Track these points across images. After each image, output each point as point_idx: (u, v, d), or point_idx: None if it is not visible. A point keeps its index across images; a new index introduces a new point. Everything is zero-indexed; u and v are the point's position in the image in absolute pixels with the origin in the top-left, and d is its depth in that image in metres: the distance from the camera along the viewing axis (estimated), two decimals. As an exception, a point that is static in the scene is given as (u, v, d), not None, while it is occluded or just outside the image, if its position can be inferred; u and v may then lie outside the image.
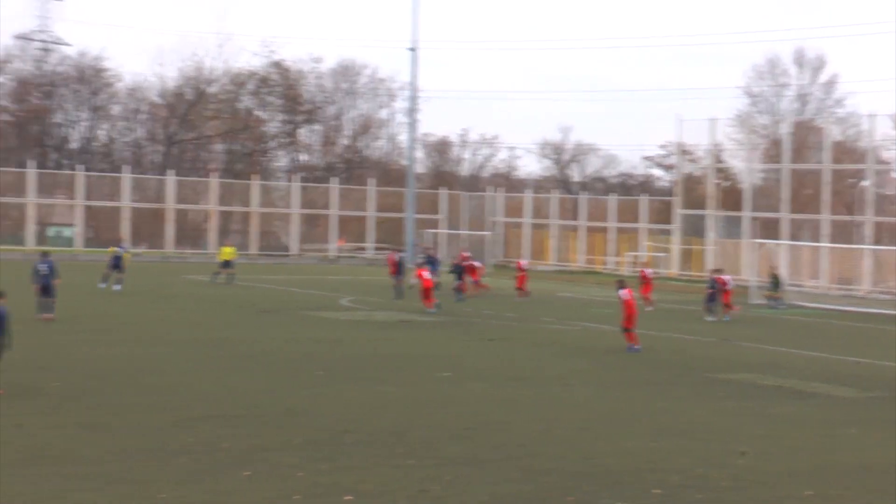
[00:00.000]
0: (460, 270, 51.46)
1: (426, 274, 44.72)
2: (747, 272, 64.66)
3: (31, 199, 79.94)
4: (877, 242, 66.22)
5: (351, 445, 18.40)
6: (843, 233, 70.91)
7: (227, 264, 56.91)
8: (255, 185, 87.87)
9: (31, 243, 78.87)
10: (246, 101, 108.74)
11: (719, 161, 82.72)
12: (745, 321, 45.95)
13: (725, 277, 47.54)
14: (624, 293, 33.56)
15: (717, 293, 46.46)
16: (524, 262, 54.46)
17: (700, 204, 78.94)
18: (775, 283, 56.30)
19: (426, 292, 44.05)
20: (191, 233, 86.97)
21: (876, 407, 25.00)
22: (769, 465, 18.13)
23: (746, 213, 73.19)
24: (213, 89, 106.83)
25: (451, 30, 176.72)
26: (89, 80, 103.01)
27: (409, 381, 26.04)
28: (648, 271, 52.51)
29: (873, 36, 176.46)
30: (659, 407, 23.77)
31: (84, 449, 17.46)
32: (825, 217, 69.13)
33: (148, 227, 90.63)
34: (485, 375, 27.45)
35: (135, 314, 39.14)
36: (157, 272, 60.57)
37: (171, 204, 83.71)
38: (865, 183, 69.48)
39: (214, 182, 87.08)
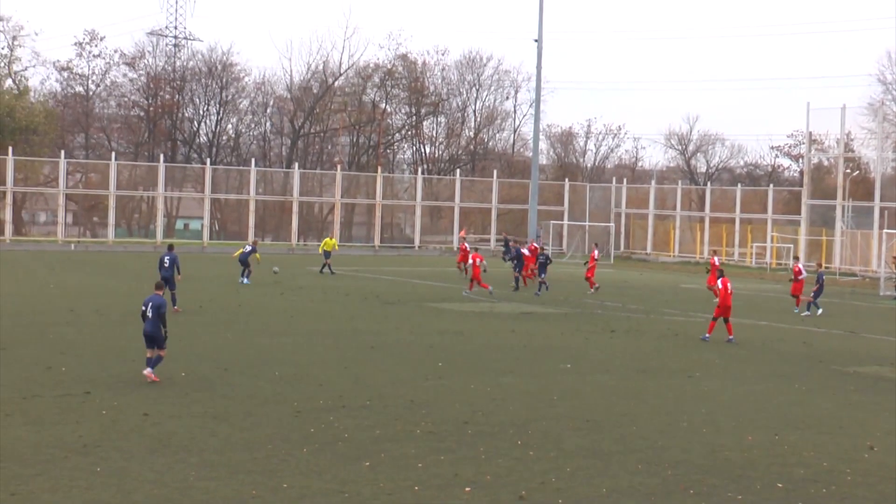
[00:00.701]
0: (518, 258, 51.49)
1: (478, 260, 47.06)
2: (877, 263, 63.28)
3: (161, 193, 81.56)
4: None
5: (472, 437, 18.45)
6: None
7: (328, 255, 57.67)
8: (379, 177, 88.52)
9: (160, 236, 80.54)
10: (371, 94, 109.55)
11: (849, 150, 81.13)
12: (874, 313, 44.98)
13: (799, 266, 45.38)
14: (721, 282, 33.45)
15: (822, 287, 43.79)
16: (596, 253, 53.67)
17: (829, 194, 77.51)
18: None
19: (475, 276, 46.69)
20: (315, 225, 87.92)
21: None
22: (898, 461, 17.76)
23: (877, 203, 71.64)
24: (339, 82, 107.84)
25: (576, 20, 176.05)
26: (218, 75, 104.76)
27: (531, 372, 26.00)
28: (716, 259, 51.21)
29: None
30: (785, 399, 23.42)
31: (209, 439, 17.77)
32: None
33: (273, 219, 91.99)
34: (607, 367, 27.31)
35: (261, 305, 39.69)
36: (283, 264, 61.28)
37: (295, 196, 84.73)
38: None
39: (339, 174, 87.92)
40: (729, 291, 33.45)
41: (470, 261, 48.78)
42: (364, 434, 18.39)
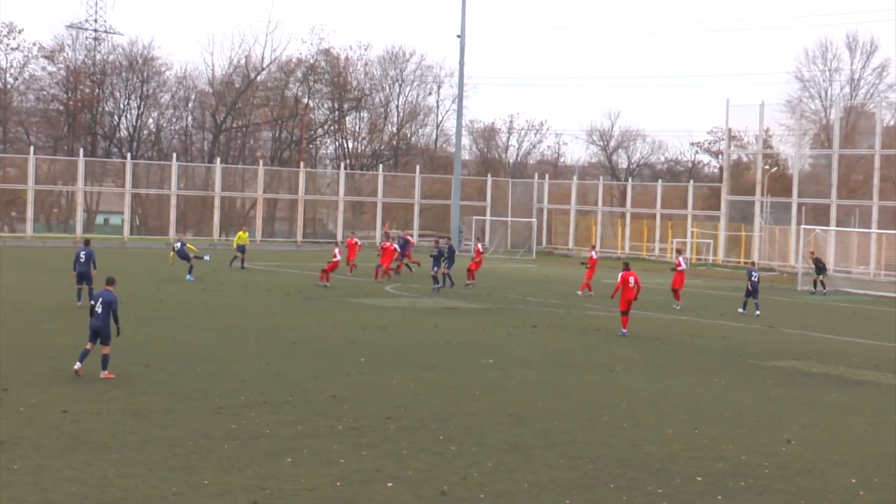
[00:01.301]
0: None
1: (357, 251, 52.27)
2: (795, 259, 64.19)
3: (81, 188, 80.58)
4: (927, 228, 65.65)
5: (394, 432, 18.45)
6: (894, 219, 70.26)
7: (242, 249, 57.31)
8: (302, 172, 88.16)
9: (79, 231, 79.57)
10: (294, 89, 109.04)
11: (768, 147, 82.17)
12: (793, 308, 45.61)
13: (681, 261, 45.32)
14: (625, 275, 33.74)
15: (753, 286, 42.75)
16: (480, 247, 53.84)
17: (748, 190, 78.44)
18: (820, 267, 55.92)
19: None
20: (237, 220, 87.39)
21: (924, 395, 24.78)
22: (814, 453, 18.03)
23: (794, 199, 72.64)
24: (261, 77, 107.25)
25: (498, 16, 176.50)
26: (139, 69, 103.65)
27: (454, 368, 26.07)
28: (682, 260, 51.05)
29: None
30: (704, 394, 23.70)
31: (128, 435, 17.61)
32: (875, 203, 68.50)
33: (195, 214, 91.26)
34: (529, 362, 27.45)
35: (182, 301, 39.38)
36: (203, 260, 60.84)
37: (217, 191, 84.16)
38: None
39: (261, 169, 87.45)
40: (631, 285, 33.47)
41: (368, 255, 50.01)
42: (286, 430, 18.33)
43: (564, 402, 22.01)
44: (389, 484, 15.23)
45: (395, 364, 26.21)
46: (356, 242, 56.97)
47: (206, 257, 53.02)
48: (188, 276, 48.02)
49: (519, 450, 17.52)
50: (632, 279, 33.60)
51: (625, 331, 33.40)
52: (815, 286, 54.88)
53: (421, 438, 18.05)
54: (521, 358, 28.16)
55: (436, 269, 48.81)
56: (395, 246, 54.49)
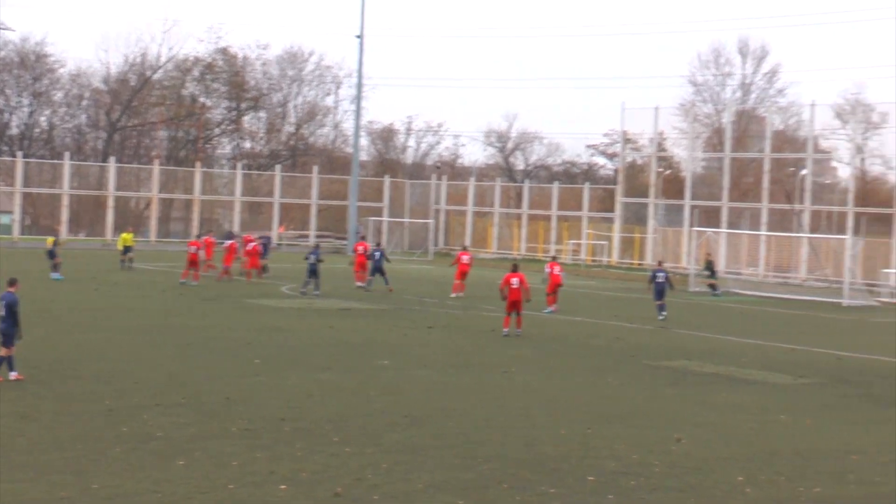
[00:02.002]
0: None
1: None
2: (687, 260, 65.14)
3: (-30, 186, 79.03)
4: (814, 231, 66.97)
5: (289, 434, 18.39)
6: (783, 221, 71.66)
7: (127, 250, 56.44)
8: (198, 172, 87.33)
9: (-32, 231, 78.01)
10: (191, 88, 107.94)
11: (662, 149, 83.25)
12: (685, 308, 46.28)
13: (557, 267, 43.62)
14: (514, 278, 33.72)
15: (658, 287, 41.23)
16: (360, 248, 53.15)
17: (642, 192, 79.42)
18: (710, 269, 56.85)
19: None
20: (132, 220, 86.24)
21: (809, 393, 25.35)
22: (704, 451, 18.34)
23: (687, 202, 73.68)
24: (157, 76, 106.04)
25: (397, 17, 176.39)
26: (31, 66, 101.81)
27: (350, 368, 26.05)
28: (466, 258, 50.21)
29: (815, 26, 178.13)
30: (598, 394, 23.96)
31: (16, 439, 17.32)
32: (765, 205, 69.73)
33: (88, 214, 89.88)
34: (425, 363, 27.52)
35: (74, 301, 38.81)
36: (98, 259, 60.08)
37: (111, 191, 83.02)
38: (804, 172, 70.23)
39: (156, 169, 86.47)
40: (514, 286, 33.38)
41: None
42: (179, 432, 18.17)
43: (460, 402, 22.11)
44: (283, 486, 15.17)
45: (291, 365, 26.12)
46: (218, 242, 55.30)
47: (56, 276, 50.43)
48: (54, 275, 47.32)
49: (414, 450, 17.56)
50: (515, 280, 33.54)
51: (506, 330, 33.43)
52: (713, 289, 55.67)
53: (316, 440, 18.02)
54: (417, 358, 28.22)
55: (372, 276, 48.98)
56: (237, 246, 53.04)
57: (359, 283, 49.83)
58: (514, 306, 33.57)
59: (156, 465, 16.03)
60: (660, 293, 41.16)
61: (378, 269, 49.29)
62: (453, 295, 47.05)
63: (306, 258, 46.35)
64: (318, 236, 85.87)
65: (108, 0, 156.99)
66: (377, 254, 49.70)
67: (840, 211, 67.57)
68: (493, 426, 19.76)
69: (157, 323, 33.51)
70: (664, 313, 40.65)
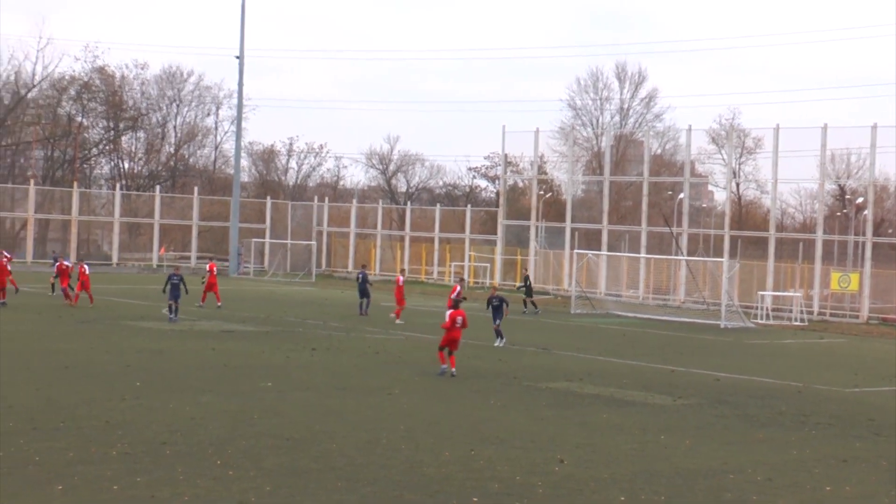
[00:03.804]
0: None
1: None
2: (568, 282, 65.81)
3: None
4: (691, 254, 68.17)
5: (170, 457, 18.16)
6: (661, 244, 72.86)
7: None
8: (76, 192, 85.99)
9: None
10: (67, 107, 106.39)
11: (543, 172, 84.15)
12: (566, 330, 46.70)
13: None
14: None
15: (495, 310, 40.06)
16: (212, 266, 53.81)
17: (524, 215, 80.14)
18: (527, 286, 57.96)
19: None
20: (7, 241, 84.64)
21: (688, 414, 25.73)
22: (586, 473, 18.50)
23: (568, 224, 74.50)
24: (32, 94, 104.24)
25: (278, 38, 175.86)
26: None
27: (231, 391, 25.81)
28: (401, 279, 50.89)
29: (691, 53, 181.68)
30: (481, 416, 24.04)
31: None
32: (644, 228, 70.81)
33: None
34: (308, 385, 27.39)
35: (-54, 325, 37.93)
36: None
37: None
38: (681, 195, 71.47)
39: (32, 189, 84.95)
40: (458, 325, 30.93)
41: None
42: (56, 456, 17.83)
43: (343, 424, 22.04)
44: (165, 510, 14.98)
45: (172, 388, 25.80)
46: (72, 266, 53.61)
47: None
48: None
49: (297, 473, 17.46)
50: (460, 319, 31.07)
51: (444, 367, 30.74)
52: (534, 306, 56.76)
53: (197, 463, 17.82)
54: (299, 381, 28.08)
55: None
56: (67, 264, 52.36)
57: (200, 304, 50.41)
58: (453, 344, 31.02)
59: (32, 490, 15.70)
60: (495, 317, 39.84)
61: (363, 293, 50.58)
62: (397, 321, 47.11)
63: (169, 279, 44.16)
64: (199, 258, 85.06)
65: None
66: (360, 276, 50.99)
67: (717, 234, 68.88)
68: (376, 448, 19.73)
69: (32, 346, 32.87)
70: (497, 342, 39.38)
